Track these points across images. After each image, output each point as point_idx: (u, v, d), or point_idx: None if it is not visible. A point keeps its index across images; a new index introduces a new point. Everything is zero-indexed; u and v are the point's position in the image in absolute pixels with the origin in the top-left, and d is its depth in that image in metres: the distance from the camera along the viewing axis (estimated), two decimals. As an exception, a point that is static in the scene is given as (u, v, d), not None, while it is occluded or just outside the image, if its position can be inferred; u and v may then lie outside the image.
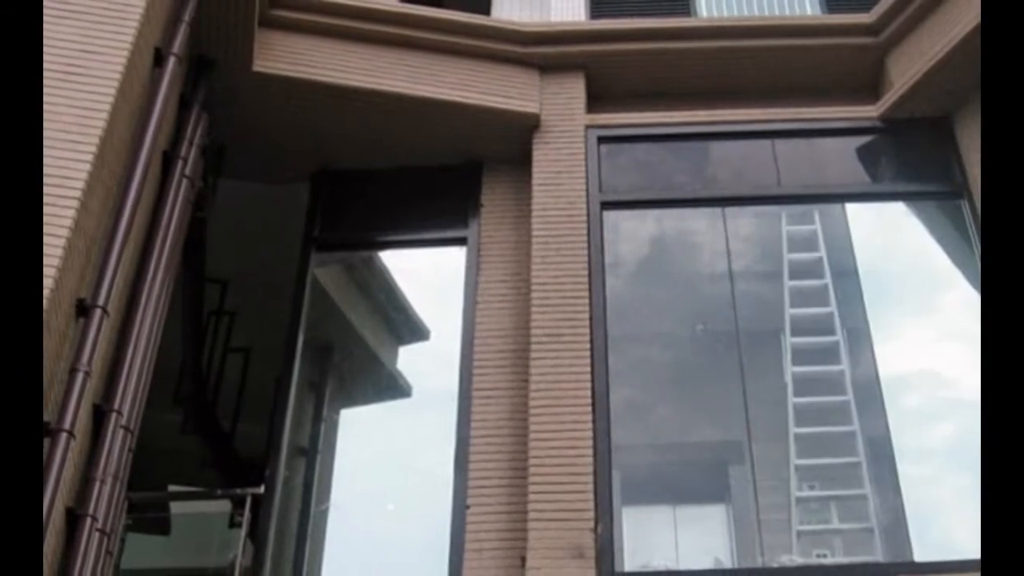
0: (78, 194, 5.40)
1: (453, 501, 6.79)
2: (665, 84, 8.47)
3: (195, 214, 7.42)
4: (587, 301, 7.23)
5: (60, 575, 5.20)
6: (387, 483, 7.27)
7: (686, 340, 7.74)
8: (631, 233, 8.04)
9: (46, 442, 5.05)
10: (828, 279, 7.88)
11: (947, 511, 6.81)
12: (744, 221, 8.05)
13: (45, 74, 5.71)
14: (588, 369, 6.92)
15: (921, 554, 6.42)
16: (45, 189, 5.24)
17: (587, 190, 7.81)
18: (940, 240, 8.05)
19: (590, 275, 7.37)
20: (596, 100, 8.42)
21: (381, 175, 8.42)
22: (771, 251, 8.04)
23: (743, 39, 8.44)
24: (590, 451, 6.58)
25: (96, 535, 5.45)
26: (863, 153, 8.32)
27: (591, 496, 6.41)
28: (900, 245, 8.07)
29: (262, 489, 7.00)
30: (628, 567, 6.43)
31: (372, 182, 8.42)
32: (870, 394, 7.12)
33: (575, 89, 8.35)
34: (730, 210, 7.99)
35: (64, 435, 5.10)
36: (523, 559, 6.28)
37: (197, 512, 8.70)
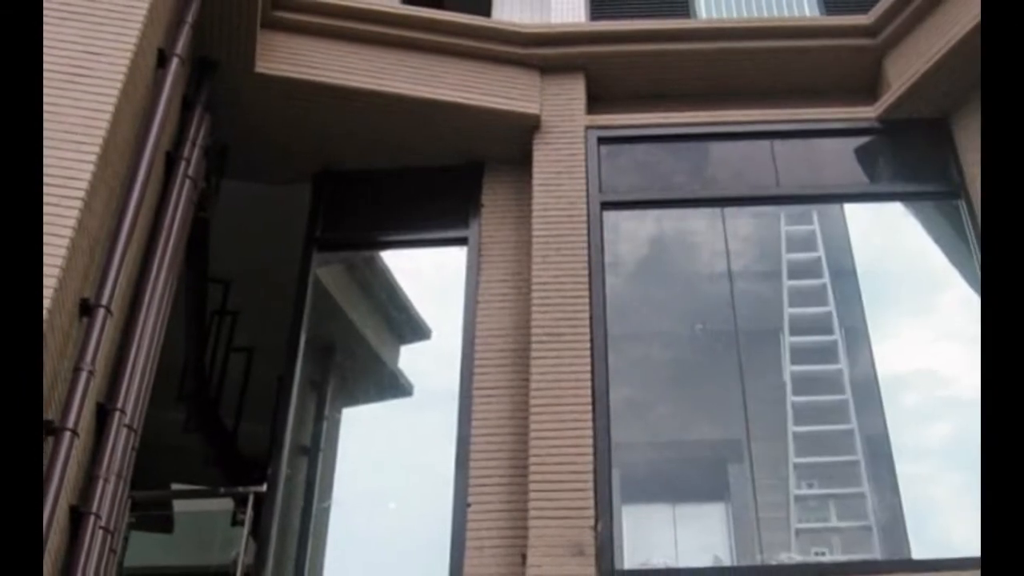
0: (82, 194, 5.43)
1: (454, 499, 6.81)
2: (664, 85, 8.50)
3: (198, 214, 7.44)
4: (587, 301, 7.26)
5: (64, 573, 5.23)
6: (388, 481, 7.29)
7: (685, 339, 7.76)
8: (631, 233, 8.06)
9: (50, 440, 5.07)
10: (826, 279, 7.90)
11: (944, 509, 6.83)
12: (743, 221, 8.07)
13: (49, 75, 5.75)
14: (588, 368, 6.94)
15: (919, 552, 6.44)
16: (49, 189, 5.28)
17: (587, 190, 7.83)
18: (937, 240, 8.07)
19: (590, 275, 7.40)
20: (596, 101, 8.45)
21: (383, 175, 8.45)
22: (770, 251, 8.06)
23: (742, 40, 8.47)
24: (590, 449, 6.61)
25: (100, 533, 5.47)
26: (861, 154, 8.34)
27: (591, 494, 6.44)
28: (898, 245, 8.09)
29: (264, 487, 7.01)
30: (628, 565, 6.45)
31: (374, 182, 8.45)
32: (868, 393, 7.14)
33: (575, 90, 8.38)
34: (729, 210, 8.01)
35: (68, 434, 5.13)
36: (524, 557, 6.31)
37: (200, 510, 8.71)
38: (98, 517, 5.47)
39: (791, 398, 7.29)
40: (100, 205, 5.76)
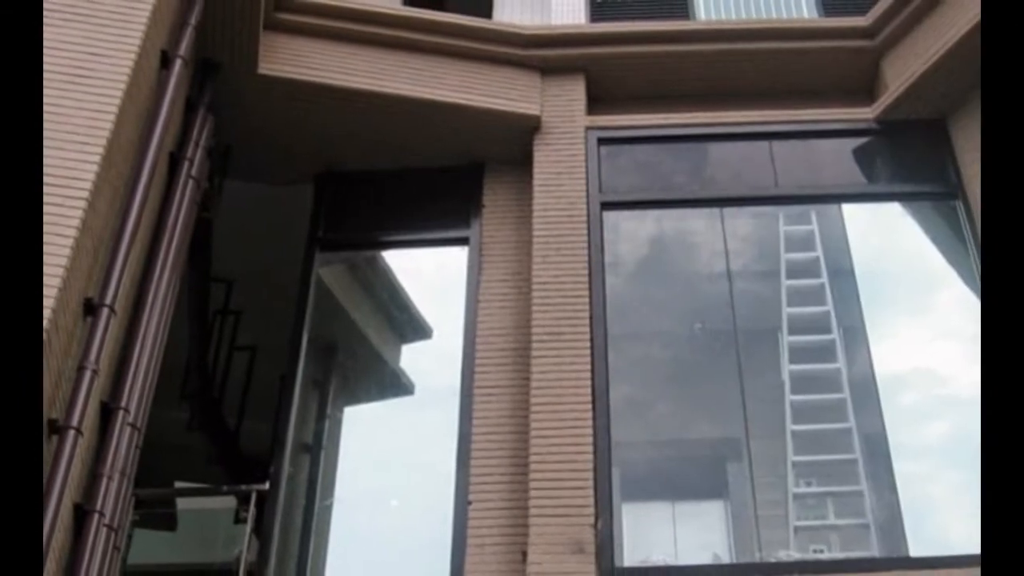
0: (86, 195, 5.44)
1: (455, 497, 6.84)
2: (664, 86, 8.52)
3: (201, 215, 7.48)
4: (587, 300, 7.28)
5: (68, 571, 5.25)
6: (390, 479, 7.31)
7: (685, 338, 7.78)
8: (631, 233, 8.08)
9: (54, 439, 5.10)
10: (825, 278, 7.93)
11: (942, 507, 6.86)
12: (742, 221, 8.09)
13: (53, 76, 5.77)
14: (588, 367, 6.96)
15: (916, 549, 6.47)
16: (54, 189, 5.30)
17: (587, 191, 7.86)
18: (935, 240, 8.09)
19: (590, 274, 7.42)
20: (596, 102, 8.48)
21: (384, 176, 8.48)
22: (768, 251, 8.09)
23: (741, 42, 8.49)
24: (590, 448, 6.63)
25: (103, 531, 5.50)
26: (859, 154, 8.36)
27: (591, 492, 6.46)
28: (895, 245, 8.11)
29: (267, 485, 7.04)
30: (628, 562, 6.48)
31: (375, 183, 8.48)
32: (866, 392, 7.16)
33: (575, 91, 8.41)
34: (728, 210, 8.03)
35: (72, 432, 5.14)
36: (524, 554, 6.33)
37: (203, 508, 8.77)
38: (102, 515, 5.49)
39: (789, 397, 7.31)
40: (104, 205, 5.77)
